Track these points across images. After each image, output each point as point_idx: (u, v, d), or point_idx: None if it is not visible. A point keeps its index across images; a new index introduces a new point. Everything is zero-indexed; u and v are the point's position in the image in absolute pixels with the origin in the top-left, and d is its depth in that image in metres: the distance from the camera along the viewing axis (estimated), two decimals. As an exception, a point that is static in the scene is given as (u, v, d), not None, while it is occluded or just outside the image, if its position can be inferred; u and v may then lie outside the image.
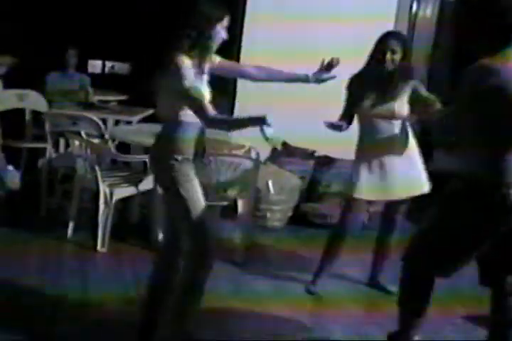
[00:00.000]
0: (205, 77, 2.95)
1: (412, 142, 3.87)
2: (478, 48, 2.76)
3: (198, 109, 2.79)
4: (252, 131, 4.99)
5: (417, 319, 3.05)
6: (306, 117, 5.35)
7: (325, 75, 3.20)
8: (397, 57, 3.69)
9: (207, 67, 2.94)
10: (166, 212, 3.20)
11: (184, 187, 2.90)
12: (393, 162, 3.80)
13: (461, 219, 2.80)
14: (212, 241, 2.96)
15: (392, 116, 3.76)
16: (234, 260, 4.33)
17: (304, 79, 3.22)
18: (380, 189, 3.82)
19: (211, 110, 2.78)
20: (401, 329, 3.10)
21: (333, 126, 3.68)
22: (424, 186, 3.88)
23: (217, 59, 3.04)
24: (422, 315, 3.04)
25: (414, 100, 3.78)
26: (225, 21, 2.90)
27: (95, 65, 7.57)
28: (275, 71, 3.22)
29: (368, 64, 3.78)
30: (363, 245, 4.20)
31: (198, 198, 2.94)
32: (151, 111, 5.73)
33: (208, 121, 2.82)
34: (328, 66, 3.19)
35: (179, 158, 2.89)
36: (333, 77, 3.21)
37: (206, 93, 2.92)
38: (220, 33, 2.89)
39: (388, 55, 3.67)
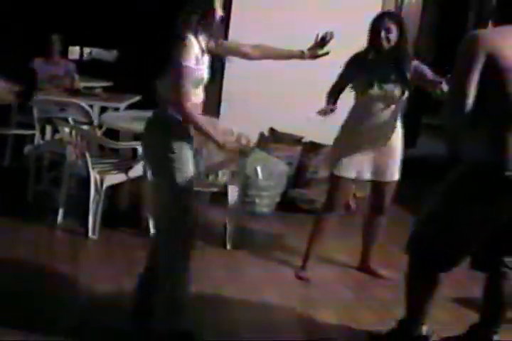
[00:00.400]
0: (207, 57, 2.95)
1: (399, 128, 3.88)
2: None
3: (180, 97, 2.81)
4: (241, 118, 5.06)
5: (426, 307, 3.04)
6: (293, 102, 5.38)
7: (320, 51, 3.21)
8: (393, 36, 3.67)
9: (207, 46, 2.93)
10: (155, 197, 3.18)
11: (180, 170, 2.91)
12: (379, 145, 3.81)
13: (465, 204, 2.78)
14: (192, 219, 2.98)
15: (389, 98, 3.74)
16: (224, 245, 4.34)
17: (300, 56, 3.23)
18: (366, 169, 3.84)
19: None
20: (410, 316, 3.09)
21: (325, 113, 3.67)
22: (395, 174, 3.90)
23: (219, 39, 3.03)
24: (429, 303, 3.03)
25: (418, 81, 3.75)
26: None
27: (73, 51, 7.53)
28: (270, 48, 3.23)
29: (366, 46, 3.75)
30: (353, 229, 4.23)
31: (187, 172, 2.93)
32: (138, 98, 5.71)
33: (184, 114, 2.85)
34: (322, 41, 3.19)
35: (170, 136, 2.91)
36: (328, 53, 3.22)
37: (205, 74, 2.93)
38: (218, 10, 2.90)
39: (383, 34, 3.66)
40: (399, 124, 3.87)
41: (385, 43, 3.69)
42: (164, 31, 2.90)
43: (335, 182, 3.91)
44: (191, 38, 2.82)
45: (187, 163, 2.94)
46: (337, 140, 3.94)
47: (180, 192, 2.93)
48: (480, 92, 2.61)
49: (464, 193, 2.80)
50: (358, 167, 3.83)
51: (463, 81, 2.61)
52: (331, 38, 3.18)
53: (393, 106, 3.78)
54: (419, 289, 3.03)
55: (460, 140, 2.89)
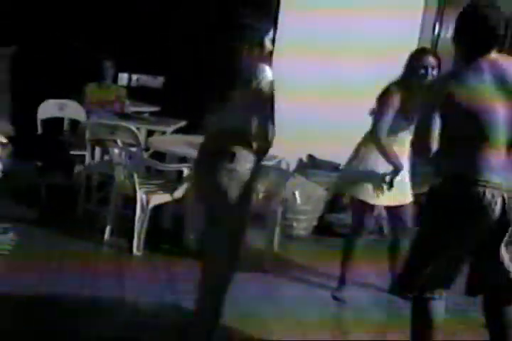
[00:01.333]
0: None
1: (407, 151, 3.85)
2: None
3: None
4: (284, 143, 5.10)
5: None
6: (332, 132, 5.42)
7: None
8: (432, 73, 3.71)
9: None
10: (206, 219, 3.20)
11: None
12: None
13: (441, 221, 2.80)
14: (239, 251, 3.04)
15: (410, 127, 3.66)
16: (262, 267, 4.33)
17: None
18: (388, 195, 3.84)
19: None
20: None
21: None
22: (409, 196, 3.94)
23: None
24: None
25: None
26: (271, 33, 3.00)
27: (122, 78, 7.63)
28: None
29: (405, 77, 3.76)
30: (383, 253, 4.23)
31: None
32: (184, 123, 5.79)
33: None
34: None
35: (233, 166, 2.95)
36: None
37: None
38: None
39: (430, 70, 3.69)
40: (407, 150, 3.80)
41: (422, 80, 3.68)
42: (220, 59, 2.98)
43: (361, 207, 3.94)
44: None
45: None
46: (357, 156, 3.97)
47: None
48: (450, 120, 2.71)
49: (439, 210, 2.81)
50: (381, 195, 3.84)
51: (425, 124, 2.74)
52: None
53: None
54: (419, 319, 2.98)
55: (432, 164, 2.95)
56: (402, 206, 3.95)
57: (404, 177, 3.89)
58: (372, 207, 3.98)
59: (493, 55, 2.80)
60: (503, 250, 2.90)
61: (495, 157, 2.74)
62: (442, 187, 2.84)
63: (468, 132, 2.74)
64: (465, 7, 2.91)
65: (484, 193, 2.71)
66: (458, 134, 2.74)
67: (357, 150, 3.98)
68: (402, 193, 3.90)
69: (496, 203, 2.73)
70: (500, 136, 2.74)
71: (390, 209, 4.03)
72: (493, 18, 2.77)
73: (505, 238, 2.86)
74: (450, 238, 2.82)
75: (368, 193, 3.85)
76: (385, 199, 3.88)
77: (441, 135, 2.73)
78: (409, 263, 2.99)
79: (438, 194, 2.87)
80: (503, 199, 2.74)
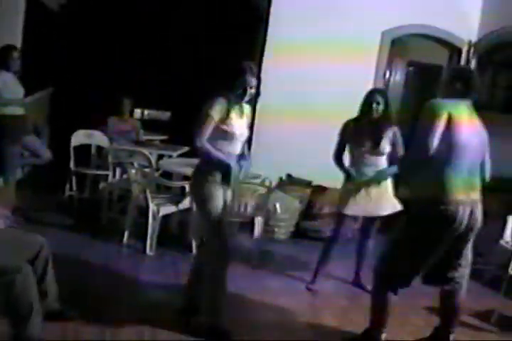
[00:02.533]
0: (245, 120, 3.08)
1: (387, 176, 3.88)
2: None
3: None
4: (265, 166, 5.11)
5: (385, 319, 3.01)
6: (306, 155, 5.45)
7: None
8: (381, 107, 3.74)
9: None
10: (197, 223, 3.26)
11: (210, 201, 2.96)
12: (374, 187, 3.82)
13: (418, 237, 2.78)
14: (228, 242, 3.01)
15: (378, 153, 3.79)
16: (250, 263, 4.35)
17: None
18: (363, 208, 3.83)
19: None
20: (372, 326, 3.07)
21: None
22: (396, 205, 3.88)
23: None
24: (387, 316, 2.99)
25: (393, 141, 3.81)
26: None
27: (137, 112, 7.61)
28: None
29: (359, 114, 3.82)
30: (350, 253, 4.24)
31: (218, 208, 2.98)
32: (186, 148, 5.79)
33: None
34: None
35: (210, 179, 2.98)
36: None
37: (243, 132, 3.05)
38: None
39: (374, 105, 3.73)
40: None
41: (375, 113, 3.77)
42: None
43: (340, 218, 3.90)
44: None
45: (218, 205, 2.98)
46: (344, 185, 3.93)
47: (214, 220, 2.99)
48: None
49: (414, 225, 2.80)
50: (356, 207, 3.82)
51: (427, 141, 2.64)
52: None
53: (381, 157, 3.82)
54: (381, 305, 2.98)
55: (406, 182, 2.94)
56: (372, 218, 3.92)
57: (376, 195, 3.82)
58: (351, 218, 3.92)
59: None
60: (468, 250, 2.92)
61: (460, 177, 2.72)
62: (419, 206, 2.79)
63: (442, 155, 2.69)
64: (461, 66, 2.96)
65: (457, 210, 2.70)
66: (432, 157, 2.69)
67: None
68: (379, 205, 3.85)
69: (464, 215, 2.74)
70: (467, 158, 2.74)
71: (364, 219, 4.01)
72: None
73: (470, 240, 2.88)
74: (427, 249, 2.79)
75: (345, 206, 3.82)
76: (359, 210, 3.84)
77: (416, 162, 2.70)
78: (390, 268, 2.93)
79: (413, 212, 2.82)
80: (467, 211, 2.75)
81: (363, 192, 3.82)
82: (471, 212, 2.78)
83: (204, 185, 2.97)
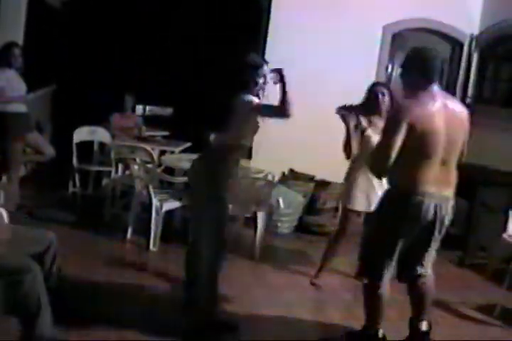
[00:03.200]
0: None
1: None
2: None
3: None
4: (268, 161, 5.08)
5: (379, 315, 3.00)
6: (308, 150, 5.43)
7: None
8: (386, 99, 3.71)
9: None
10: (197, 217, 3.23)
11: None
12: (375, 182, 3.77)
13: (386, 224, 2.81)
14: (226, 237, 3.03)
15: None
16: (253, 257, 4.35)
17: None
18: (366, 203, 3.81)
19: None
20: (368, 322, 3.07)
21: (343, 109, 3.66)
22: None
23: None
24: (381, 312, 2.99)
25: None
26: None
27: (139, 109, 7.59)
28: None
29: (363, 104, 3.74)
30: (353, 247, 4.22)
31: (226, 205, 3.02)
32: (189, 144, 5.77)
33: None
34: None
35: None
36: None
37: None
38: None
39: (380, 97, 3.70)
40: None
41: (382, 104, 3.70)
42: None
43: (346, 213, 3.86)
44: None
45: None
46: (348, 179, 3.88)
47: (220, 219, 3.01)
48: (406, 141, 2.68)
49: (386, 215, 2.83)
50: (361, 201, 3.79)
51: (389, 140, 2.66)
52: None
53: None
54: (372, 300, 2.98)
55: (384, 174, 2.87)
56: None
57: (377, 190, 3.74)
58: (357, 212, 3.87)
59: (435, 87, 2.79)
60: (433, 247, 2.91)
61: (432, 172, 2.72)
62: (390, 195, 2.83)
63: (416, 150, 2.71)
64: (409, 50, 2.92)
65: (421, 202, 2.71)
66: (407, 152, 2.70)
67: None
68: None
69: (430, 209, 2.74)
70: (440, 154, 2.73)
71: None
72: (432, 58, 2.77)
73: (437, 236, 2.86)
74: (394, 235, 2.81)
75: (354, 201, 3.78)
76: (363, 206, 3.81)
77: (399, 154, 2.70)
78: (367, 252, 3.01)
79: (387, 200, 2.86)
80: (435, 206, 2.75)
81: (367, 186, 3.78)
82: (439, 208, 2.77)
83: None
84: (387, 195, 2.89)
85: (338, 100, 3.73)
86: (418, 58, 2.80)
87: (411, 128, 2.67)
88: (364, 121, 3.68)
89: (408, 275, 2.99)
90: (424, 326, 3.05)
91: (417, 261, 2.96)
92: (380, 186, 3.77)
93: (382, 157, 2.70)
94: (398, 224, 2.78)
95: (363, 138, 3.68)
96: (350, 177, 3.86)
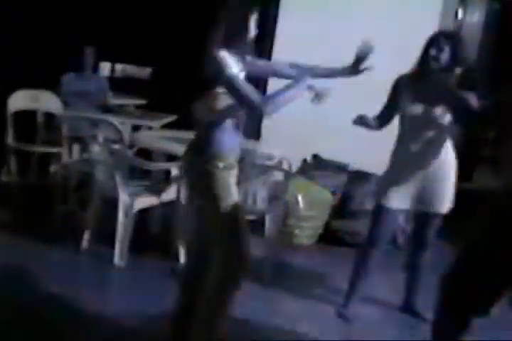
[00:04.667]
0: (243, 76, 3.00)
1: (451, 155, 3.88)
2: None
3: (246, 98, 2.83)
4: (283, 142, 5.09)
5: None
6: (340, 127, 5.41)
7: (362, 66, 3.28)
8: (444, 55, 3.68)
9: (243, 65, 3.00)
10: (197, 222, 3.24)
11: (223, 197, 2.97)
12: (428, 172, 3.80)
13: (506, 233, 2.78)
14: (247, 251, 3.01)
15: (433, 121, 3.75)
16: (261, 280, 4.30)
17: (342, 72, 3.31)
18: (411, 199, 3.82)
19: (257, 95, 2.83)
20: None
21: (361, 121, 3.76)
22: (447, 203, 3.88)
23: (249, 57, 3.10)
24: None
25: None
26: (256, 15, 3.00)
27: (104, 67, 7.59)
28: (310, 67, 3.28)
29: (416, 66, 3.79)
30: (399, 266, 4.24)
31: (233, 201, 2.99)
32: (174, 117, 5.79)
33: (261, 106, 2.81)
34: (362, 55, 3.27)
35: (220, 165, 2.96)
36: (371, 68, 3.29)
37: None
38: (252, 27, 2.99)
39: (432, 52, 3.68)
40: (449, 153, 3.86)
41: (433, 64, 3.70)
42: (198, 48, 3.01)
43: (379, 212, 3.92)
44: (223, 53, 2.88)
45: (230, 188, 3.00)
46: (388, 167, 3.95)
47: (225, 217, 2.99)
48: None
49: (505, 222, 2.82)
50: (403, 196, 3.83)
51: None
52: (369, 51, 3.26)
53: (439, 131, 3.79)
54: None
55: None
56: (430, 214, 3.91)
57: (439, 184, 3.83)
58: (394, 213, 3.91)
59: None
60: None
61: None
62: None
63: None
64: None
65: None
66: None
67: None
68: (436, 198, 3.86)
69: None
70: None
71: (417, 216, 4.01)
72: None
73: None
74: None
75: (392, 196, 3.82)
76: (411, 203, 3.85)
77: None
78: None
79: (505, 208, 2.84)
80: None
81: (409, 172, 3.81)
82: None
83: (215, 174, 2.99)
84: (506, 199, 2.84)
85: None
86: None
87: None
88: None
89: None
90: None
91: None
92: (436, 174, 3.83)
93: None
94: None
95: None
96: (390, 160, 3.91)
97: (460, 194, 3.95)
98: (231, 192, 2.99)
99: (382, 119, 3.92)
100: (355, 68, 3.30)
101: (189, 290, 3.21)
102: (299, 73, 3.16)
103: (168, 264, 4.36)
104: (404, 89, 3.83)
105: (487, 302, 2.91)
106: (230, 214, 2.98)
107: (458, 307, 2.96)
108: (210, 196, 2.98)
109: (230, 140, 3.00)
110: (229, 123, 2.99)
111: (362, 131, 3.96)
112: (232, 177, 3.02)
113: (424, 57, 3.74)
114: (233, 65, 2.86)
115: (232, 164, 3.02)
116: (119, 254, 4.38)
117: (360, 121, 3.79)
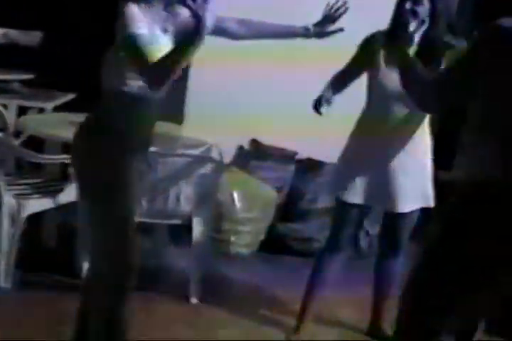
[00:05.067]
0: (169, 38, 2.99)
1: (427, 139, 3.93)
2: None
3: (138, 61, 2.79)
4: (213, 124, 5.07)
5: None
6: (286, 106, 5.43)
7: (330, 27, 3.25)
8: (422, 9, 3.67)
9: (171, 24, 3.00)
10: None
11: (116, 190, 2.99)
12: (400, 161, 3.83)
13: (471, 235, 2.78)
14: (134, 263, 3.05)
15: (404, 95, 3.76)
16: (188, 297, 4.38)
17: (303, 34, 3.28)
18: (379, 193, 3.86)
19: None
20: None
21: (319, 103, 3.74)
22: (430, 198, 3.94)
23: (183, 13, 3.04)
24: None
25: None
26: None
27: None
28: (263, 24, 3.27)
29: (392, 20, 3.79)
30: (363, 277, 4.30)
31: (131, 207, 3.04)
32: (71, 96, 5.74)
33: (151, 71, 2.77)
34: (333, 15, 3.24)
35: (126, 150, 2.96)
36: (341, 30, 3.27)
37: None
38: None
39: (407, 4, 3.67)
40: (425, 136, 3.91)
41: (409, 18, 3.62)
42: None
43: (340, 210, 3.96)
44: (133, 7, 2.83)
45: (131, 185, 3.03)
46: (343, 153, 3.98)
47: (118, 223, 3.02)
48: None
49: (468, 221, 2.81)
50: (368, 190, 3.86)
51: None
52: (344, 10, 3.23)
53: (414, 109, 3.79)
54: None
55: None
56: (402, 214, 3.94)
57: (413, 174, 3.87)
58: (360, 212, 3.97)
59: None
60: None
61: None
62: (476, 195, 2.79)
63: None
64: None
65: None
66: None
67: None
68: (404, 197, 3.88)
69: None
70: None
71: (386, 215, 4.07)
72: None
73: None
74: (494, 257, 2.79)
75: (355, 192, 3.85)
76: (379, 200, 3.90)
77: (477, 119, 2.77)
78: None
79: (471, 204, 2.81)
80: None
81: (375, 161, 3.85)
82: None
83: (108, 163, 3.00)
84: (471, 193, 2.82)
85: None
86: None
87: None
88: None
89: None
90: None
91: None
92: (416, 167, 3.88)
93: None
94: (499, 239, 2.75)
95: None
96: (348, 143, 3.96)
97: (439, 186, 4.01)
98: (129, 190, 3.02)
99: (337, 86, 3.89)
100: (321, 29, 3.25)
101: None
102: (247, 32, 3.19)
103: (68, 285, 4.33)
104: (375, 51, 3.81)
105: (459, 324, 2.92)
106: (118, 219, 3.01)
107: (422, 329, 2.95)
108: (99, 194, 3.01)
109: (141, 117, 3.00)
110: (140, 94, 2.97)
111: (310, 115, 3.94)
112: (138, 169, 3.04)
113: (400, 11, 3.73)
114: (141, 24, 2.80)
115: (141, 150, 3.03)
116: (3, 274, 4.34)
117: (321, 103, 3.76)
